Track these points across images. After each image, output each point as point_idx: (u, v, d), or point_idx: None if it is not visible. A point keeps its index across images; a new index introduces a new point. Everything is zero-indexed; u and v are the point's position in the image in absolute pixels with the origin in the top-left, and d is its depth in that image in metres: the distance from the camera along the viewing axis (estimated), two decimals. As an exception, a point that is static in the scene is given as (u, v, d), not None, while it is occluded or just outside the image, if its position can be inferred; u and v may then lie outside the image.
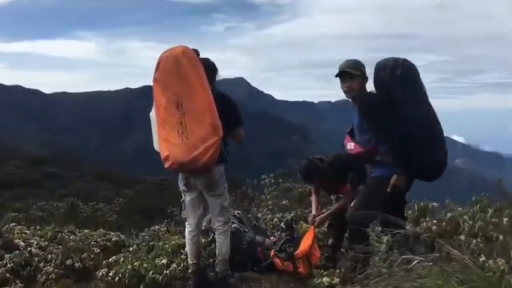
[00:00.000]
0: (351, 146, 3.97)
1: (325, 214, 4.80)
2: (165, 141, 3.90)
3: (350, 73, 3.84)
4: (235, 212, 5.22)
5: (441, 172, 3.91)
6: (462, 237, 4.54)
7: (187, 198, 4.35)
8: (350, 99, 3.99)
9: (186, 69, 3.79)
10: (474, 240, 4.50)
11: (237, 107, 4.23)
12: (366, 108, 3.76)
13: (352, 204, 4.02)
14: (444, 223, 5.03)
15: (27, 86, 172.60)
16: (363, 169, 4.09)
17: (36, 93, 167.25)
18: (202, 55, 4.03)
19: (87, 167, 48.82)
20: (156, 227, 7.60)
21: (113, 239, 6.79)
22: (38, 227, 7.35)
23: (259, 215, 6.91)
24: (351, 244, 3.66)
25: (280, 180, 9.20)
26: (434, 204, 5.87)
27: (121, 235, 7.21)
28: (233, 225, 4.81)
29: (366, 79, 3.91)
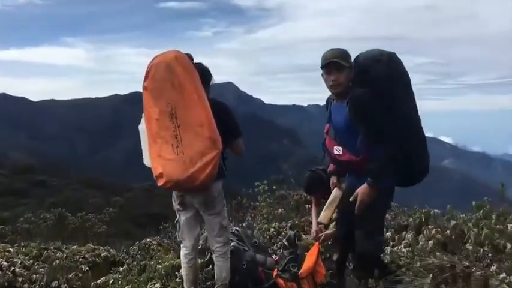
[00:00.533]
0: (338, 150, 3.46)
1: (331, 231, 4.55)
2: (158, 157, 3.52)
3: (338, 64, 3.30)
4: (234, 228, 4.90)
5: (424, 176, 3.53)
6: (469, 246, 4.38)
7: (182, 218, 3.96)
8: (334, 95, 3.48)
9: (181, 77, 3.42)
10: (481, 250, 4.33)
11: (235, 117, 3.86)
12: (362, 104, 3.24)
13: (359, 233, 3.46)
14: (448, 231, 4.86)
15: (14, 94, 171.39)
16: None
17: (23, 101, 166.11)
18: None
19: (76, 175, 48.29)
20: (148, 239, 7.28)
21: (102, 254, 6.48)
22: (22, 244, 6.99)
23: (254, 224, 6.70)
24: (370, 275, 3.25)
25: (274, 187, 9.01)
26: (436, 210, 5.71)
27: (110, 250, 6.90)
28: (232, 244, 4.44)
29: (352, 72, 3.40)
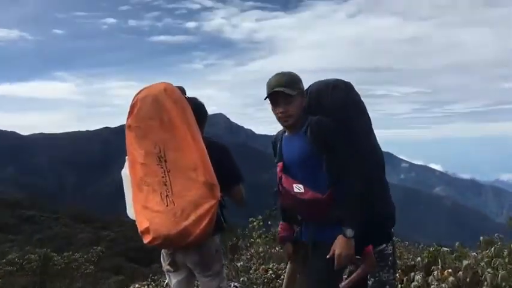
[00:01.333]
0: (299, 188, 2.74)
1: (344, 284, 4.08)
2: (143, 208, 2.93)
3: (285, 94, 2.68)
4: (232, 285, 4.45)
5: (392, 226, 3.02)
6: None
7: (173, 280, 3.30)
8: (286, 128, 2.87)
9: (171, 113, 2.87)
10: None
11: (234, 158, 3.27)
12: (325, 130, 2.66)
13: None
14: (460, 272, 4.52)
15: (3, 128, 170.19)
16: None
17: (13, 135, 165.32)
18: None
19: (66, 209, 47.62)
20: (137, 286, 6.73)
21: (87, 304, 5.99)
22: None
23: (251, 264, 6.35)
24: None
25: (269, 222, 8.61)
26: (445, 248, 5.37)
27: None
28: (231, 302, 3.99)
29: (304, 97, 2.81)
